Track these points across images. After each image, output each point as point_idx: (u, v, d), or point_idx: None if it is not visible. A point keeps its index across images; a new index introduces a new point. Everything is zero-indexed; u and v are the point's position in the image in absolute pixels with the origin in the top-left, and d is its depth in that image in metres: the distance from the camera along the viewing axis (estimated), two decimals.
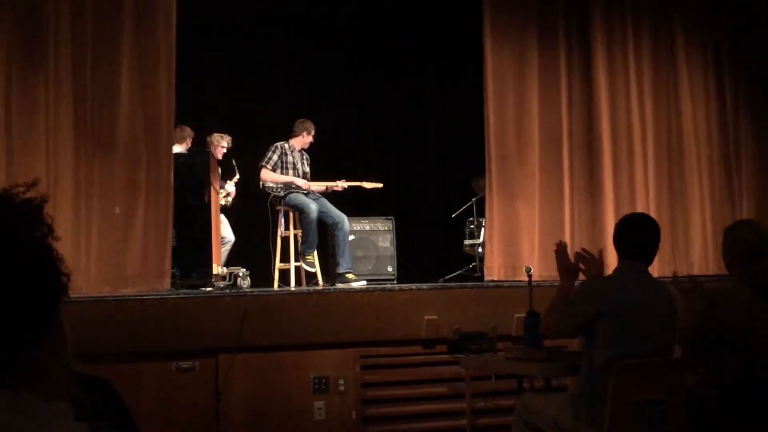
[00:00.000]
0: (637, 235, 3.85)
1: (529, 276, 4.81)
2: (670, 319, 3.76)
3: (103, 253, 5.95)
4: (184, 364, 5.36)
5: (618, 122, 7.24)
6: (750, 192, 7.48)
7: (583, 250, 4.18)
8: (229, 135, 7.98)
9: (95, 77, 6.08)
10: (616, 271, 3.92)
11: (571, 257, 4.09)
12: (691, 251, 7.23)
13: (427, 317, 5.82)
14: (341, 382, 5.63)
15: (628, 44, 7.32)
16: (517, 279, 6.68)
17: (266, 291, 6.00)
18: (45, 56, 5.92)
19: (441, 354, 5.70)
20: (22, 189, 1.12)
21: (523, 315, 4.42)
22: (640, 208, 7.02)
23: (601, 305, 3.68)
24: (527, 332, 4.31)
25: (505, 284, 6.67)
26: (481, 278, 7.24)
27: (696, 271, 6.94)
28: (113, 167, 6.05)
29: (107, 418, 1.29)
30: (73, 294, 5.57)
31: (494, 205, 7.03)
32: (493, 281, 6.89)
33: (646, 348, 3.64)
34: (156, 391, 5.28)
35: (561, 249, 4.14)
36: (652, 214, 6.89)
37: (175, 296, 5.76)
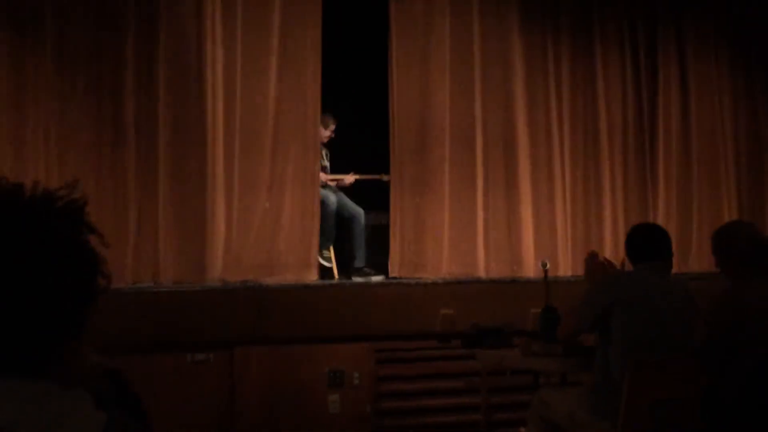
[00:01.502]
0: (648, 241, 3.86)
1: (546, 271, 4.79)
2: (688, 315, 3.74)
3: (253, 244, 6.16)
4: (200, 357, 5.37)
5: (536, 114, 7.01)
6: (666, 185, 7.30)
7: (605, 259, 4.22)
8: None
9: (245, 77, 6.25)
10: (632, 270, 3.92)
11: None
12: (604, 244, 7.03)
13: (443, 311, 5.80)
14: (356, 375, 5.63)
15: (547, 35, 7.10)
16: (418, 276, 6.48)
17: (282, 284, 6.00)
18: (199, 58, 6.10)
19: (456, 349, 5.69)
20: (64, 191, 1.12)
21: (540, 310, 4.40)
22: (558, 202, 6.90)
23: (615, 295, 3.69)
24: (543, 327, 4.29)
25: (521, 279, 6.63)
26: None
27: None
28: (262, 162, 6.25)
29: (123, 407, 1.30)
30: (217, 279, 5.89)
31: (397, 200, 6.71)
32: (509, 277, 6.84)
33: (662, 343, 3.62)
34: (171, 383, 5.29)
35: (592, 258, 4.16)
36: (569, 208, 6.90)
37: (190, 289, 5.77)
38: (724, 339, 3.67)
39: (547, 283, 4.65)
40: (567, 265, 6.84)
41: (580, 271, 6.47)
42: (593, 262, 4.13)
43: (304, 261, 6.32)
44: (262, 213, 6.24)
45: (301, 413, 5.51)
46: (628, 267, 4.09)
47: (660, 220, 7.05)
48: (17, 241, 1.06)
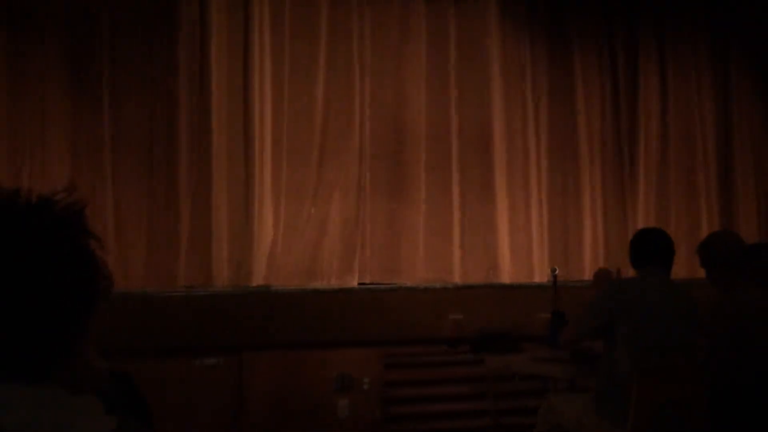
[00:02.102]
0: (650, 246, 3.86)
1: (555, 277, 4.80)
2: (690, 319, 3.75)
3: (298, 249, 6.21)
4: (209, 361, 5.39)
5: (512, 119, 6.90)
6: (646, 191, 7.21)
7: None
8: None
9: (292, 85, 6.32)
10: (633, 276, 3.94)
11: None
12: (584, 252, 6.97)
13: (451, 317, 5.81)
14: (365, 380, 5.64)
15: (524, 39, 7.00)
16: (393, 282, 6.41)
17: (291, 288, 6.02)
18: (249, 70, 6.17)
19: (465, 354, 5.69)
20: (62, 195, 1.12)
21: (548, 316, 4.41)
22: (534, 209, 6.81)
23: (619, 301, 3.69)
24: (551, 333, 4.30)
25: (530, 285, 6.62)
26: None
27: (587, 273, 6.70)
28: (309, 168, 6.32)
29: (130, 410, 1.31)
30: (262, 283, 5.93)
31: (368, 206, 6.56)
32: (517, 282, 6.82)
33: (666, 346, 3.63)
34: (180, 387, 5.31)
35: (603, 275, 4.19)
36: (545, 215, 6.78)
37: (200, 293, 5.80)
38: (723, 349, 3.69)
39: (555, 289, 4.66)
40: (543, 272, 6.77)
41: (559, 277, 6.55)
42: (603, 279, 4.14)
43: (348, 267, 6.34)
44: (307, 219, 6.30)
45: (310, 418, 5.52)
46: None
47: (640, 227, 7.01)
48: (16, 246, 1.06)
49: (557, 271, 5.15)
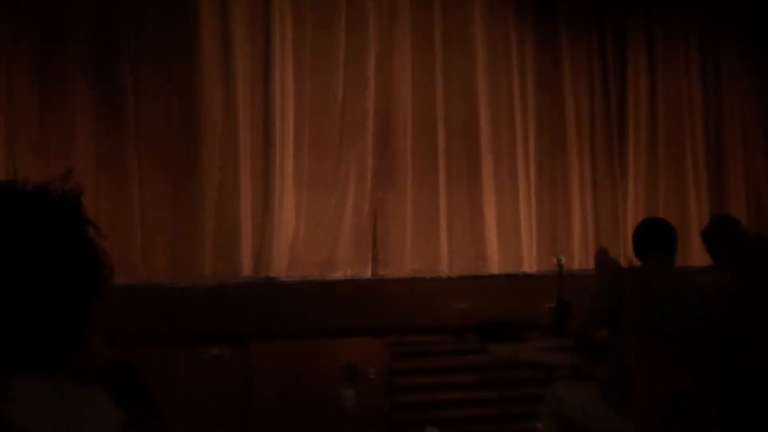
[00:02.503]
0: (655, 235, 3.87)
1: (560, 266, 4.80)
2: (696, 306, 3.75)
3: (318, 240, 6.28)
4: (215, 351, 5.41)
5: (499, 106, 6.85)
6: (635, 179, 7.19)
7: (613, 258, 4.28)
8: None
9: (314, 77, 6.37)
10: (639, 264, 3.94)
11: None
12: (572, 239, 6.92)
13: (456, 306, 5.82)
14: (371, 370, 5.65)
15: (510, 24, 6.93)
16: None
17: (297, 279, 6.04)
18: (271, 62, 6.24)
19: (470, 343, 5.70)
20: (58, 182, 1.13)
21: (553, 304, 4.42)
22: (522, 196, 6.76)
23: (625, 289, 3.70)
24: (556, 321, 4.31)
25: (535, 273, 6.62)
26: None
27: (576, 262, 6.70)
28: (330, 160, 6.37)
29: (137, 401, 1.32)
30: (283, 276, 6.02)
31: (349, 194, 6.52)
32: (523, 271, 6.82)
33: (673, 334, 3.63)
34: (187, 377, 5.34)
35: (602, 254, 4.19)
36: (533, 202, 6.72)
37: (207, 283, 5.82)
38: (728, 334, 3.70)
39: (560, 278, 4.67)
40: (532, 260, 6.75)
41: (545, 266, 6.50)
42: (603, 258, 4.14)
43: (364, 257, 6.39)
44: (327, 210, 6.36)
45: (317, 407, 5.54)
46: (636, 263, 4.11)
47: (629, 214, 7.01)
48: (14, 234, 1.07)
49: (563, 260, 5.14)
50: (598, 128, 7.15)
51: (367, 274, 6.35)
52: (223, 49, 6.16)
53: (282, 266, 6.11)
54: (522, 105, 6.92)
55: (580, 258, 6.79)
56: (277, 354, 5.52)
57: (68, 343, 1.11)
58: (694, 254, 6.47)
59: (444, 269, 6.48)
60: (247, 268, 6.05)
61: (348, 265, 6.33)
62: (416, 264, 6.47)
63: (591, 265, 6.59)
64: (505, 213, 6.73)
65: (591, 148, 7.12)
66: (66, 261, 1.10)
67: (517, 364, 5.41)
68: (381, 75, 6.57)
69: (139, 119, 5.97)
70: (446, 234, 6.57)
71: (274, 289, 5.83)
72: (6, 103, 5.70)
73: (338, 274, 6.23)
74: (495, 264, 6.59)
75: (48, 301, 1.08)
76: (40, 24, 5.81)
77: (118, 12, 5.96)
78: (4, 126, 5.68)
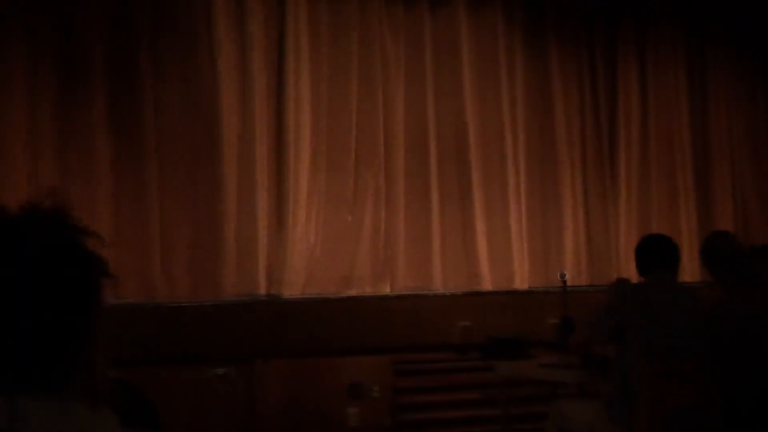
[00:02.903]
0: (656, 252, 3.86)
1: (564, 281, 4.79)
2: (699, 324, 3.74)
3: (335, 257, 6.31)
4: (220, 370, 5.41)
5: (487, 125, 6.83)
6: (627, 194, 7.16)
7: None
8: None
9: (331, 91, 6.42)
10: (644, 281, 3.93)
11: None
12: (564, 257, 6.89)
13: (460, 323, 5.81)
14: (375, 388, 5.64)
15: (498, 41, 6.91)
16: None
17: (300, 297, 6.03)
18: (286, 73, 6.29)
19: (474, 360, 5.69)
20: (46, 200, 1.13)
21: (557, 321, 4.40)
22: (513, 214, 6.74)
23: (630, 306, 3.69)
24: (561, 338, 4.29)
25: (539, 290, 6.61)
26: None
27: (569, 279, 6.70)
28: (344, 177, 6.41)
29: (141, 422, 1.32)
30: (303, 294, 6.04)
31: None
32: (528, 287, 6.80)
33: (677, 351, 3.62)
34: (191, 396, 5.33)
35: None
36: (524, 220, 6.71)
37: (211, 302, 5.82)
38: (728, 348, 3.69)
39: (564, 294, 4.66)
40: (524, 278, 6.72)
41: (539, 282, 6.56)
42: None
43: (381, 274, 6.41)
44: (343, 227, 6.38)
45: (321, 426, 5.53)
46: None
47: (621, 230, 6.99)
48: (10, 257, 1.07)
49: (566, 276, 5.13)
50: (588, 145, 7.15)
51: (387, 290, 6.38)
52: (240, 69, 6.20)
53: (299, 283, 6.12)
54: (511, 121, 6.90)
55: (573, 274, 6.75)
56: (281, 373, 5.51)
57: (73, 362, 1.11)
58: (686, 270, 6.44)
59: (438, 286, 6.48)
60: (262, 286, 6.05)
61: (365, 282, 6.35)
62: (410, 281, 6.48)
63: (584, 281, 6.65)
64: (498, 230, 6.73)
65: (582, 164, 7.11)
66: (60, 272, 1.10)
67: (522, 382, 5.39)
68: (374, 93, 6.61)
69: (159, 139, 6.00)
70: (439, 251, 6.57)
71: (278, 307, 5.82)
72: (29, 125, 5.72)
73: (354, 292, 6.24)
74: (489, 281, 6.58)
75: (47, 322, 1.08)
76: (60, 47, 5.84)
77: (137, 33, 5.99)
78: (28, 147, 5.71)
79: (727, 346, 3.71)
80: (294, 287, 6.09)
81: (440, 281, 6.51)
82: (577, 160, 7.09)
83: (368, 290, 6.30)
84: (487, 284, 6.55)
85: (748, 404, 3.61)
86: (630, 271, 6.60)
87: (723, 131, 7.53)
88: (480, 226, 6.66)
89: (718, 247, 3.97)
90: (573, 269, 6.73)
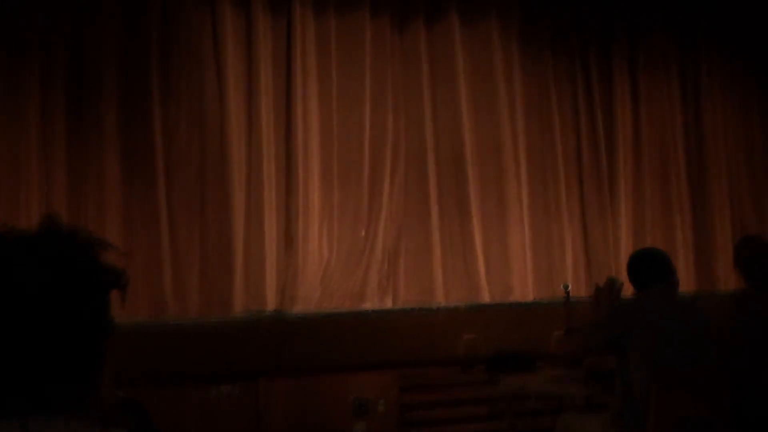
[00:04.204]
0: (650, 267, 3.85)
1: (567, 293, 4.79)
2: (703, 334, 3.73)
3: (348, 272, 6.35)
4: (225, 389, 5.40)
5: (485, 138, 6.84)
6: (626, 207, 7.17)
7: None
8: None
9: (340, 109, 6.47)
10: (642, 295, 3.90)
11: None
12: (564, 269, 6.89)
13: (465, 337, 5.80)
14: (381, 403, 5.63)
15: (495, 55, 6.93)
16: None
17: (304, 314, 6.03)
18: (292, 93, 6.33)
19: (480, 374, 5.68)
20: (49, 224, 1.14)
21: (561, 333, 4.40)
22: (512, 227, 6.74)
23: (630, 321, 3.68)
24: (566, 350, 4.29)
25: (543, 302, 6.60)
26: None
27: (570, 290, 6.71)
28: (357, 193, 6.46)
29: None
30: (316, 308, 6.09)
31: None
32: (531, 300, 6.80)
33: (682, 363, 3.61)
34: (196, 415, 5.32)
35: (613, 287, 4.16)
36: (526, 232, 6.73)
37: (215, 320, 5.82)
38: (744, 349, 3.69)
39: (568, 306, 4.66)
40: (525, 290, 6.72)
41: (540, 294, 6.59)
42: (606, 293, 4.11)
43: (384, 288, 6.43)
44: (357, 242, 6.42)
45: None
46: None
47: (621, 241, 7.00)
48: (27, 273, 1.09)
49: (569, 288, 5.13)
50: (585, 157, 7.17)
51: (388, 304, 6.39)
52: (248, 88, 6.23)
53: (312, 300, 6.14)
54: (510, 135, 6.92)
55: (573, 286, 6.74)
56: (286, 390, 5.50)
57: (86, 382, 1.12)
58: (682, 281, 6.43)
59: (440, 299, 6.49)
60: (271, 303, 6.07)
61: (376, 296, 6.36)
62: (412, 295, 6.49)
63: (584, 293, 6.63)
64: (497, 243, 6.75)
65: (579, 176, 7.13)
66: (79, 298, 1.11)
67: (528, 395, 5.38)
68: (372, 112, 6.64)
69: (168, 159, 6.02)
70: (440, 265, 6.59)
71: (283, 325, 5.82)
72: (40, 146, 5.76)
73: (368, 306, 6.27)
74: (489, 293, 6.59)
75: (64, 341, 1.09)
76: (71, 70, 5.89)
77: (147, 56, 6.02)
78: (39, 168, 5.73)
79: (745, 345, 3.71)
80: (307, 303, 6.12)
81: (442, 294, 6.53)
82: (574, 172, 7.13)
83: (371, 305, 6.31)
84: (487, 296, 6.56)
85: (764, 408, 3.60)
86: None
87: (719, 142, 7.54)
88: (480, 239, 6.68)
89: (751, 250, 4.00)
90: (573, 281, 6.71)
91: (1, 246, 1.11)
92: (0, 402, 1.07)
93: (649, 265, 3.86)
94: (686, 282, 6.59)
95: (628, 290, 4.03)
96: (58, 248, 1.12)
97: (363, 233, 6.43)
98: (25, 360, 1.08)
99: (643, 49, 7.42)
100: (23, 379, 1.08)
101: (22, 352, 1.07)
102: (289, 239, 6.22)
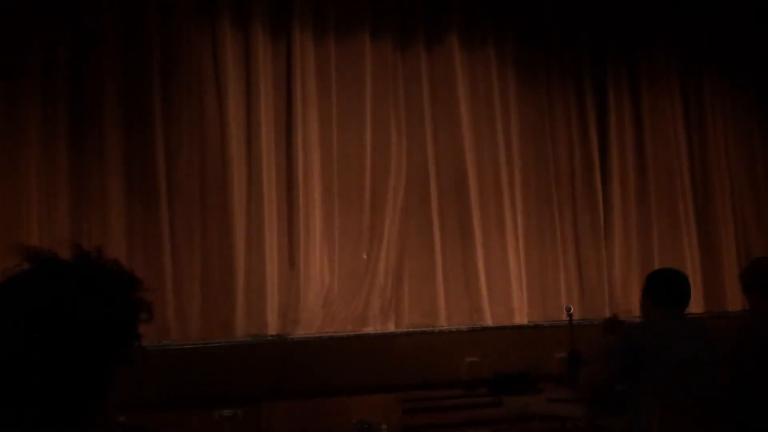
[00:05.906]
0: (672, 288, 3.84)
1: (570, 315, 4.79)
2: (712, 357, 3.72)
3: (351, 295, 6.35)
4: (227, 412, 5.38)
5: (485, 162, 6.89)
6: (622, 229, 7.19)
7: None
8: None
9: (341, 132, 6.50)
10: (652, 316, 3.89)
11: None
12: (560, 293, 6.90)
13: (468, 359, 5.79)
14: (384, 426, 5.61)
15: (492, 79, 6.99)
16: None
17: (306, 337, 6.03)
18: (293, 116, 6.37)
19: (483, 396, 5.66)
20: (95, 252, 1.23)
21: (564, 355, 4.39)
22: (511, 250, 6.76)
23: (641, 342, 3.66)
24: (569, 372, 4.28)
25: (545, 324, 6.59)
26: None
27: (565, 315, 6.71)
28: (359, 216, 6.49)
29: None
30: (318, 332, 6.07)
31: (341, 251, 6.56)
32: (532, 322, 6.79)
33: (689, 386, 3.60)
34: None
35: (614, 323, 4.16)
36: (522, 256, 6.75)
37: (217, 344, 5.81)
38: (747, 363, 3.68)
39: (571, 328, 4.65)
40: (523, 312, 6.73)
41: (538, 317, 6.57)
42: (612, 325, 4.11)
43: (387, 311, 6.43)
44: (359, 265, 6.43)
45: None
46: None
47: (616, 265, 7.02)
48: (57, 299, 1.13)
49: (572, 310, 5.13)
50: (578, 179, 7.20)
51: (392, 327, 6.39)
52: (248, 111, 6.28)
53: (314, 323, 6.14)
54: (507, 158, 6.95)
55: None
56: (289, 413, 5.49)
57: (99, 402, 1.16)
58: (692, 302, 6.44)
59: (442, 322, 6.49)
60: (272, 326, 6.07)
61: (379, 320, 6.36)
62: (414, 318, 6.49)
63: (577, 315, 6.64)
64: (498, 266, 6.76)
65: (572, 198, 7.17)
66: (105, 323, 1.17)
67: (531, 416, 5.36)
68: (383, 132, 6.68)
69: (170, 181, 6.06)
70: (443, 288, 6.59)
71: (285, 348, 5.81)
72: (42, 168, 5.80)
73: (369, 330, 6.26)
74: (491, 316, 6.58)
75: (85, 365, 1.14)
76: (74, 94, 5.94)
77: (148, 79, 6.07)
78: (42, 190, 5.78)
79: (748, 361, 3.69)
80: (309, 327, 6.11)
81: (444, 317, 6.53)
82: (566, 194, 7.16)
83: (373, 328, 6.31)
84: (489, 319, 6.56)
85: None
86: (627, 305, 6.64)
87: (721, 160, 7.56)
88: (481, 262, 6.69)
89: (758, 276, 3.98)
90: (569, 304, 6.71)
91: (51, 274, 1.17)
92: (18, 414, 1.10)
93: (672, 287, 3.83)
94: (695, 302, 6.58)
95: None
96: (100, 280, 1.20)
97: (365, 256, 6.45)
98: (52, 378, 1.12)
99: (642, 68, 7.46)
100: (45, 394, 1.12)
101: (52, 371, 1.12)
102: (290, 263, 6.23)
